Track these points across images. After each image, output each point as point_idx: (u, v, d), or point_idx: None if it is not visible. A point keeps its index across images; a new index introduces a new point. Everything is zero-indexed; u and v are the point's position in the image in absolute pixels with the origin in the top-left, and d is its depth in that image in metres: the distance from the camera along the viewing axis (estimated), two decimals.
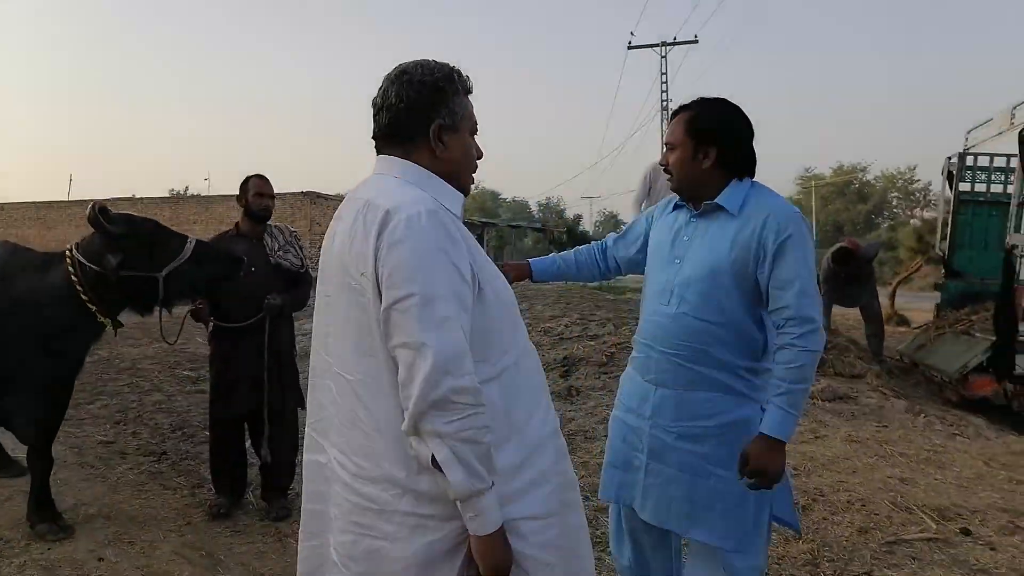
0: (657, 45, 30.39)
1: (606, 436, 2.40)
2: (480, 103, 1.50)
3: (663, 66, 30.48)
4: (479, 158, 1.53)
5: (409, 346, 1.23)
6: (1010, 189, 7.22)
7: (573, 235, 41.98)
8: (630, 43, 30.69)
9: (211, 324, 3.76)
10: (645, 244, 2.35)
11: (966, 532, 3.16)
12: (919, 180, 63.59)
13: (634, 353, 2.28)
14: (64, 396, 3.46)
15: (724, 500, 1.99)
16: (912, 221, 64.60)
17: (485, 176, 69.12)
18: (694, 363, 2.02)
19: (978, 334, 5.95)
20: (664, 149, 2.23)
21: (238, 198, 3.86)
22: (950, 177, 7.09)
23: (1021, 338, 5.10)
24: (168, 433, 5.26)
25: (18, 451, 4.41)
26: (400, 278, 1.25)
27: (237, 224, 3.91)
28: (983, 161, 7.19)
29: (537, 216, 66.64)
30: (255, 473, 4.05)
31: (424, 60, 1.45)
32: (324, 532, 1.45)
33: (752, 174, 2.12)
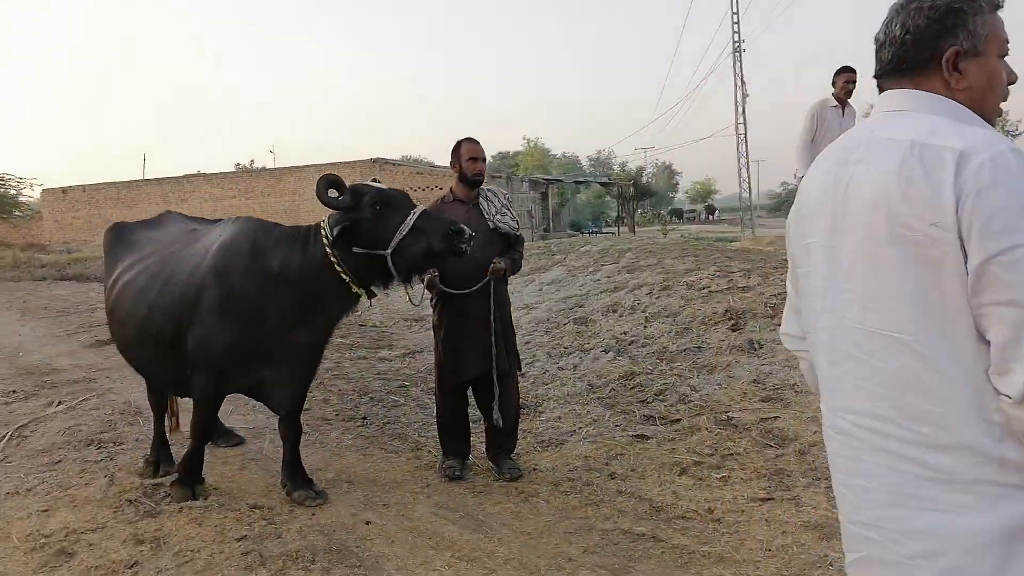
0: None
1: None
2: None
3: (734, 4, 29.40)
4: (1011, 83, 1.36)
5: (1016, 303, 1.11)
6: None
7: (638, 187, 41.41)
8: None
9: (435, 291, 3.77)
10: None
11: None
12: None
13: None
14: (316, 365, 3.54)
15: None
16: None
17: (533, 131, 68.01)
18: None
19: None
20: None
21: (452, 163, 3.84)
22: None
23: None
24: (357, 399, 5.39)
25: (228, 422, 4.59)
26: (1000, 227, 1.11)
27: (451, 189, 3.90)
28: None
29: (588, 170, 65.70)
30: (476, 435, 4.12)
31: None
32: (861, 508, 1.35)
33: None
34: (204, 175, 28.81)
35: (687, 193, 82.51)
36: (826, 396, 1.39)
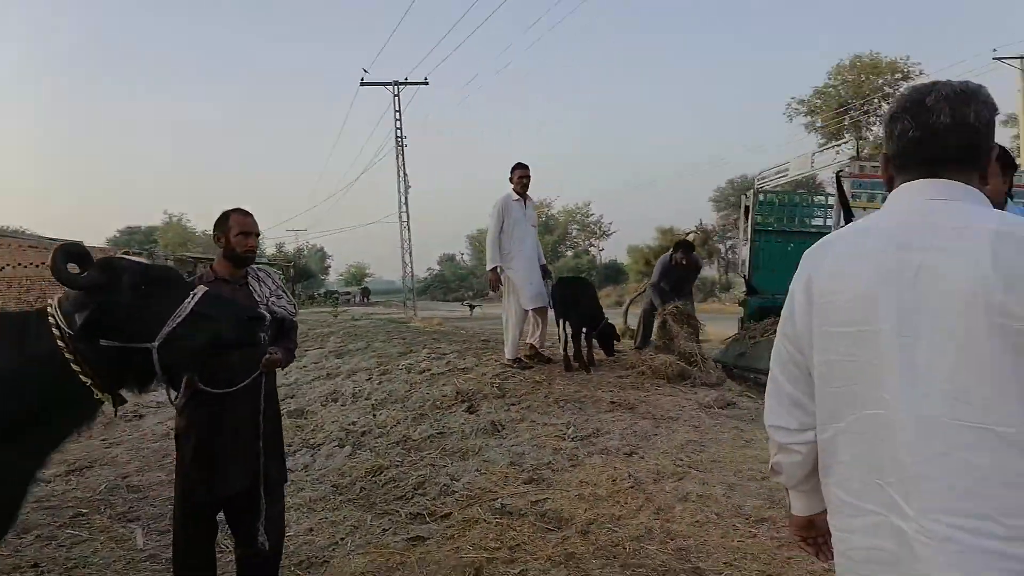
0: (389, 84, 30.96)
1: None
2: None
3: (396, 104, 31.10)
4: None
5: None
6: (795, 220, 8.87)
7: (297, 268, 40.61)
8: (363, 80, 30.81)
9: (185, 392, 2.99)
10: None
11: None
12: (593, 214, 73.71)
13: None
14: (17, 509, 2.50)
15: None
16: (592, 250, 74.46)
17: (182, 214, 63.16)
18: None
19: None
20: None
21: (216, 237, 3.17)
22: (746, 211, 8.48)
23: None
24: (16, 540, 3.99)
25: None
26: None
27: (212, 267, 3.21)
28: (775, 199, 8.79)
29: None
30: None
31: (974, 83, 1.38)
32: None
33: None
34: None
35: (341, 275, 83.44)
36: (911, 499, 1.27)
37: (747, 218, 8.37)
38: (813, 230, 8.78)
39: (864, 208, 6.38)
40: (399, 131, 31.19)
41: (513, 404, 5.86)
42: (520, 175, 7.20)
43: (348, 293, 76.83)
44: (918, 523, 1.24)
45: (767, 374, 6.09)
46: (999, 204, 2.36)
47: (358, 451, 5.29)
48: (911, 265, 1.29)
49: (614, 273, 56.25)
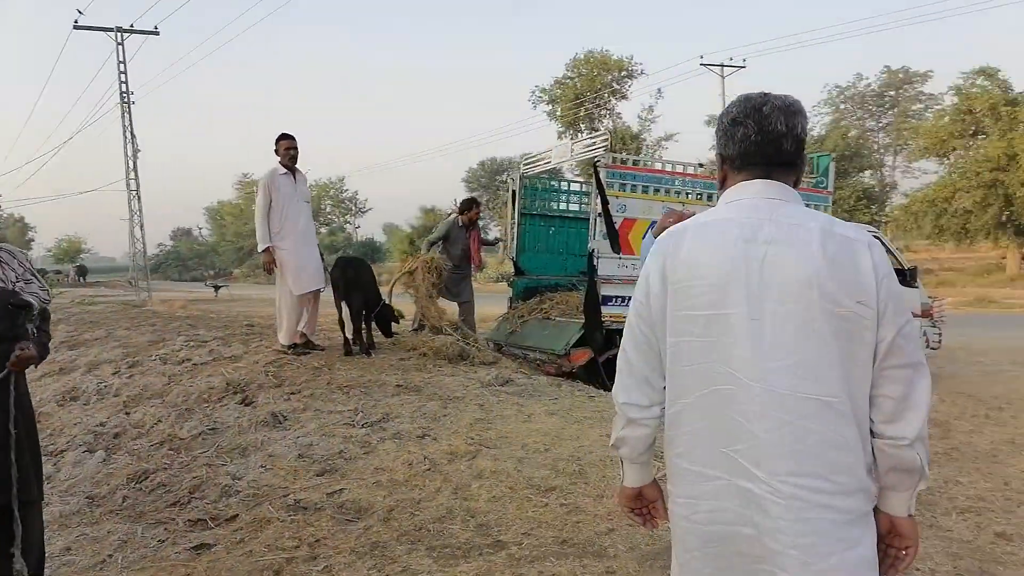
0: (111, 30, 27.00)
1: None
2: None
3: (120, 54, 27.27)
4: None
5: (911, 366, 1.43)
6: (554, 205, 9.44)
7: None
8: (77, 22, 26.46)
9: None
10: None
11: None
12: (348, 189, 72.31)
13: None
14: None
15: None
16: (347, 227, 72.91)
17: None
18: None
19: (559, 319, 7.70)
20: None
21: None
22: (514, 196, 8.85)
23: (603, 319, 6.89)
24: None
25: None
26: (900, 307, 1.44)
27: None
28: (538, 183, 9.28)
29: None
30: None
31: (796, 98, 1.58)
32: (761, 559, 1.45)
33: None
34: None
35: (50, 251, 72.05)
36: (760, 463, 1.45)
37: (515, 202, 8.79)
38: (570, 215, 9.47)
39: (617, 196, 7.00)
40: (124, 86, 27.48)
41: (293, 393, 5.57)
42: (287, 146, 6.79)
43: (59, 272, 66.61)
44: (769, 484, 1.44)
45: (536, 351, 6.58)
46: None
47: (113, 456, 4.68)
48: (756, 256, 1.48)
49: (371, 251, 55.61)
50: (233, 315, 10.79)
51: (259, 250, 6.70)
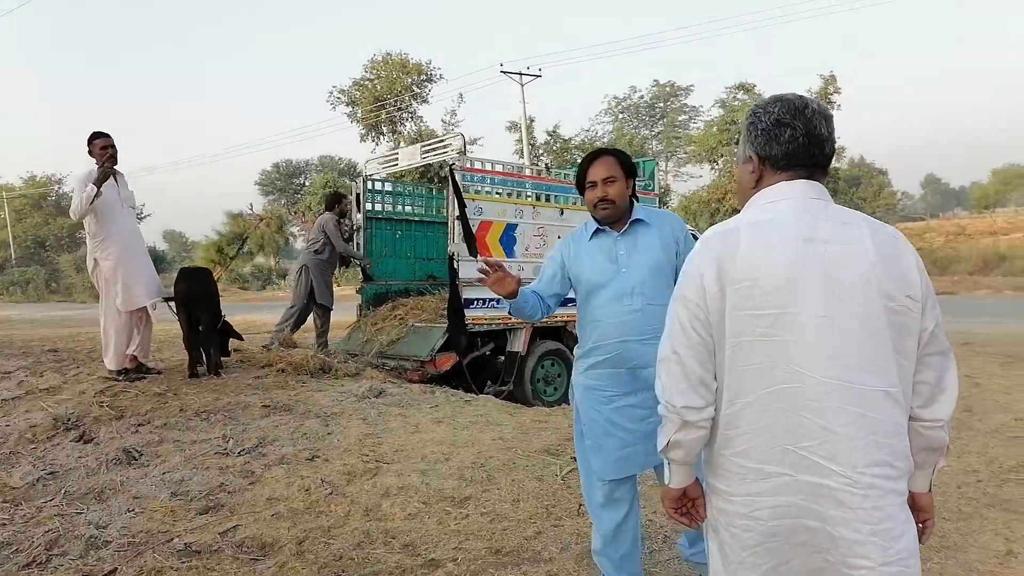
0: None
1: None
2: None
3: None
4: None
5: (943, 352, 1.57)
6: (401, 208, 9.17)
7: None
8: None
9: None
10: (565, 278, 2.77)
11: None
12: None
13: (596, 358, 2.67)
14: None
15: None
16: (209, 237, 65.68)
17: None
18: None
19: (416, 324, 7.49)
20: (594, 185, 2.70)
21: None
22: (358, 199, 8.45)
23: (467, 323, 6.83)
24: None
25: None
26: (935, 298, 1.56)
27: None
28: (383, 187, 8.96)
29: None
30: None
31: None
32: (826, 549, 1.51)
33: (637, 198, 2.85)
34: None
35: None
36: (837, 457, 1.50)
37: (359, 206, 8.45)
38: (415, 219, 9.31)
39: (473, 199, 6.99)
40: None
41: (141, 425, 4.91)
42: (102, 145, 6.00)
43: None
44: (847, 477, 1.50)
45: (397, 359, 6.47)
46: (628, 207, 2.72)
47: None
48: (817, 256, 1.54)
49: (154, 260, 50.06)
50: (26, 338, 9.25)
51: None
